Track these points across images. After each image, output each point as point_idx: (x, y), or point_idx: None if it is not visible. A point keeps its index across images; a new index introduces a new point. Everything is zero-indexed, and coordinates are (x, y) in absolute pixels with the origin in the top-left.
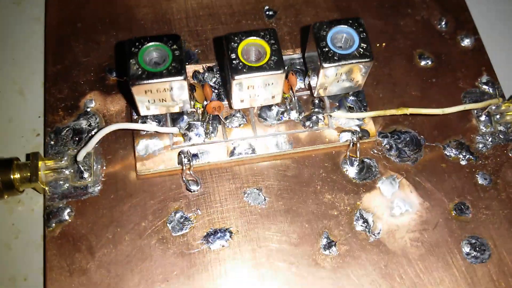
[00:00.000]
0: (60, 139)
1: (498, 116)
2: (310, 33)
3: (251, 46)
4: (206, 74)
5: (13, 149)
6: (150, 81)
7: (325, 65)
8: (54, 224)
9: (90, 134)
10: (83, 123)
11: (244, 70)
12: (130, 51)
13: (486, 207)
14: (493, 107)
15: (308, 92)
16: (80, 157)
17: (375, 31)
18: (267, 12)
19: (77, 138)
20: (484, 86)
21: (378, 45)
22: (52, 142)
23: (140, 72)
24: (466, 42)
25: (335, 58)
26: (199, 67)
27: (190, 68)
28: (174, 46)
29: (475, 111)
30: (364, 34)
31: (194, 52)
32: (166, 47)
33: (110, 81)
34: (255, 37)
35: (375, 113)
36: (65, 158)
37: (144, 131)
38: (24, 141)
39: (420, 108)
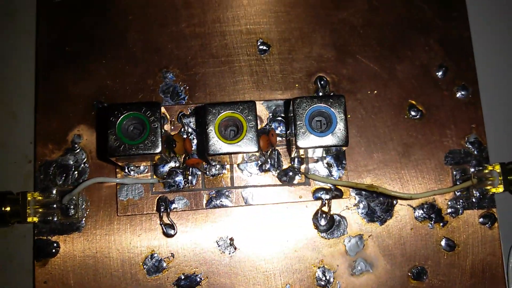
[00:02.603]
0: (48, 173)
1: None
2: (291, 105)
3: (229, 119)
4: (191, 119)
5: (5, 175)
6: (127, 153)
7: (299, 145)
8: (42, 258)
9: (77, 171)
10: (71, 159)
11: (220, 148)
12: (109, 121)
13: (444, 274)
14: (472, 170)
15: (285, 145)
16: (65, 201)
17: (370, 75)
18: (260, 46)
19: (64, 175)
20: (470, 146)
21: (369, 92)
22: (41, 176)
23: (117, 145)
24: (462, 94)
25: (309, 139)
26: (185, 109)
27: (176, 109)
28: (152, 118)
29: (454, 172)
30: (343, 116)
31: (181, 88)
32: (145, 118)
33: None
34: (233, 111)
35: (347, 183)
36: (53, 194)
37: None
38: (17, 167)
39: (390, 190)
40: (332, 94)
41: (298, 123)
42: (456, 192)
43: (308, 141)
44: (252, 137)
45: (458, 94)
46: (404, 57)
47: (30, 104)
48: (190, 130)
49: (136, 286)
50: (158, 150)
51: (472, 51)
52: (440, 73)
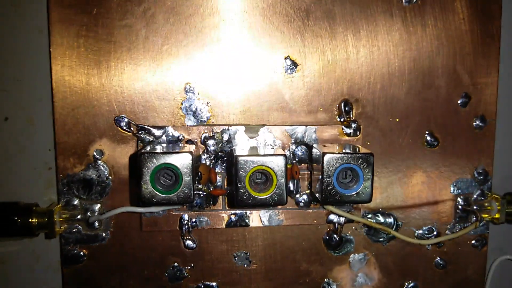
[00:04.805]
0: (71, 188)
1: (475, 207)
2: (321, 161)
3: (260, 172)
4: (213, 141)
5: (26, 181)
6: (160, 203)
7: (325, 203)
8: (70, 265)
9: (100, 186)
10: (93, 174)
11: (249, 201)
12: (141, 171)
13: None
14: (475, 196)
15: (307, 170)
16: (91, 221)
17: (395, 102)
18: (287, 64)
19: (87, 189)
20: (477, 176)
21: (391, 119)
22: (65, 189)
23: (150, 195)
24: (478, 125)
25: (335, 198)
26: (208, 130)
27: (199, 131)
28: (185, 170)
29: (459, 199)
30: (370, 175)
31: (205, 106)
32: (178, 169)
33: (120, 131)
34: (264, 165)
35: (363, 220)
36: (77, 208)
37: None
38: (37, 175)
39: (400, 235)
40: (361, 153)
41: (327, 180)
42: (455, 218)
43: (334, 198)
44: (281, 192)
45: (475, 124)
46: (431, 85)
47: (47, 109)
48: (213, 155)
49: None
50: (190, 201)
51: (497, 83)
52: (462, 102)
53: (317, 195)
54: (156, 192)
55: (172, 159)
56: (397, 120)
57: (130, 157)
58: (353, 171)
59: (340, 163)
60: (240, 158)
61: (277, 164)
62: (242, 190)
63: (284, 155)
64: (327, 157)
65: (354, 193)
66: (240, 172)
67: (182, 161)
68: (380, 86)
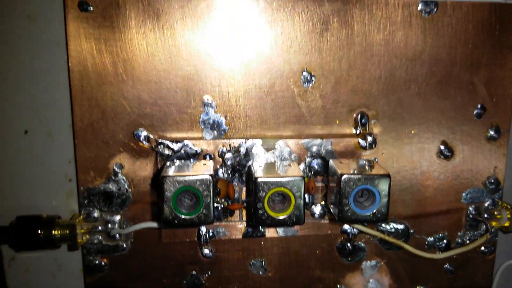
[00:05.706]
0: (92, 200)
1: (486, 215)
2: (338, 182)
3: (278, 193)
4: (231, 155)
5: (48, 194)
6: (181, 224)
7: (341, 220)
8: (92, 275)
9: (120, 199)
10: (114, 187)
11: (268, 222)
12: (163, 194)
13: None
14: (486, 205)
15: (322, 182)
16: (112, 234)
17: (410, 113)
18: (304, 77)
19: (108, 201)
20: (488, 185)
21: (406, 131)
22: (85, 202)
23: (172, 217)
24: (492, 136)
25: (352, 218)
26: (226, 144)
27: (216, 144)
28: (206, 193)
29: (471, 208)
30: (386, 196)
31: (222, 119)
32: (198, 191)
33: (139, 144)
34: (283, 187)
35: (377, 234)
36: (98, 220)
37: None
38: (58, 186)
39: (414, 249)
40: (376, 175)
41: (344, 200)
42: (466, 226)
43: (350, 218)
44: (299, 212)
45: (489, 135)
46: (447, 95)
47: (67, 121)
48: (230, 169)
49: None
50: (210, 222)
51: None
52: (477, 113)
53: (331, 207)
54: (178, 214)
55: (193, 182)
56: (412, 131)
57: (152, 179)
58: (369, 191)
59: (357, 184)
60: (259, 180)
61: (296, 186)
62: (261, 211)
63: (303, 177)
64: (344, 178)
65: (370, 213)
66: (259, 193)
67: (202, 183)
68: (396, 97)
